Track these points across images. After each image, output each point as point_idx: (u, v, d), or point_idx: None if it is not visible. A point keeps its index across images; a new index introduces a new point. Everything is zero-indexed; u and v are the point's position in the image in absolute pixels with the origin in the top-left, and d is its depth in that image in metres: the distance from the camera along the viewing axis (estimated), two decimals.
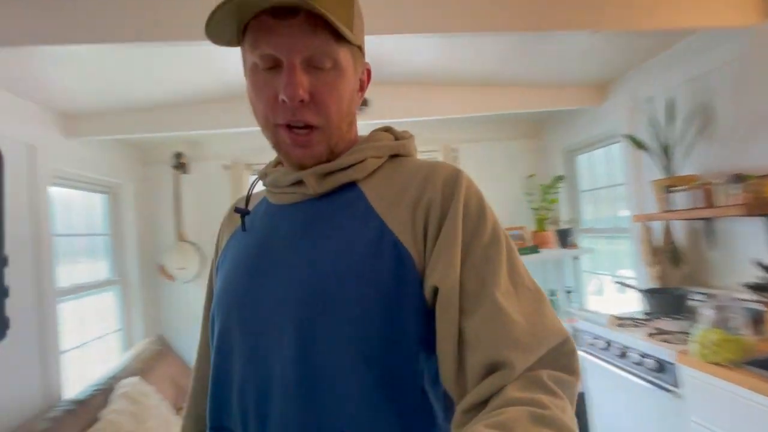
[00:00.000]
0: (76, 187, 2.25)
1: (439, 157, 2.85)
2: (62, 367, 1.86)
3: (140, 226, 2.70)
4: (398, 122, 2.30)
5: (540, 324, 0.40)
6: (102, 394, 1.81)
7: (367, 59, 0.54)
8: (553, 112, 2.58)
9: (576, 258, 2.66)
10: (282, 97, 0.43)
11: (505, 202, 2.87)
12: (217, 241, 0.63)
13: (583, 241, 2.73)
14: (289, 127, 0.46)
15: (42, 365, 1.72)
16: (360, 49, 0.51)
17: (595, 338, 1.76)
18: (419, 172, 0.50)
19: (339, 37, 0.44)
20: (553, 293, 2.72)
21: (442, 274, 0.41)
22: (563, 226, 2.73)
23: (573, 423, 0.33)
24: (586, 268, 2.75)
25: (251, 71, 0.46)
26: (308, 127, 0.46)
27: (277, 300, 0.46)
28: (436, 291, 0.42)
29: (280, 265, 0.48)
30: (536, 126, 3.03)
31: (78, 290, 2.17)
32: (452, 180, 0.47)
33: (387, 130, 0.58)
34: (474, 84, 2.29)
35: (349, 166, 0.50)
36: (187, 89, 2.01)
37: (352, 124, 0.53)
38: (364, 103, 2.08)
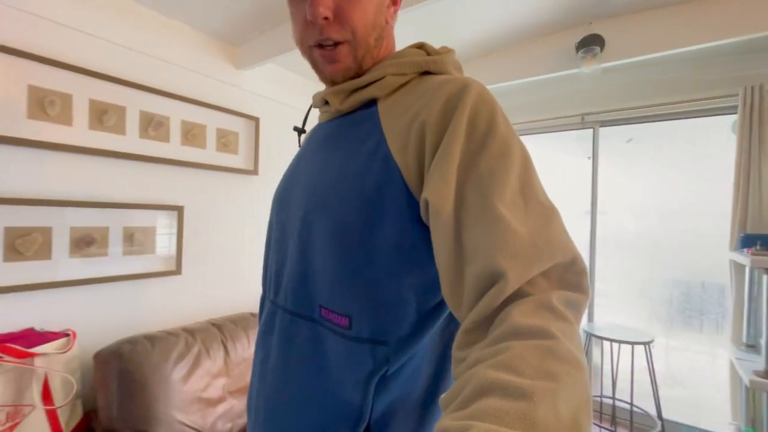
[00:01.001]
0: None
1: (740, 106, 1.95)
2: None
3: None
4: (650, 58, 1.79)
5: (544, 236, 0.37)
6: None
7: None
8: None
9: None
10: (308, 17, 0.48)
11: None
12: None
13: None
14: (320, 46, 0.51)
15: None
16: None
17: None
18: (431, 89, 0.48)
19: None
20: None
21: (433, 188, 0.41)
22: None
23: (579, 349, 0.31)
24: None
25: (288, 1, 0.53)
26: (336, 43, 0.50)
27: (295, 200, 0.55)
28: (426, 204, 0.42)
29: (302, 174, 0.57)
30: None
31: None
32: (456, 96, 0.44)
33: (420, 46, 0.56)
34: None
35: (369, 84, 0.52)
36: None
37: (380, 38, 0.53)
38: (595, 42, 1.72)
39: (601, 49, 1.73)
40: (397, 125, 0.47)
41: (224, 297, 1.95)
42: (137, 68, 1.60)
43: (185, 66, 1.76)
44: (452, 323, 0.51)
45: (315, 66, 0.54)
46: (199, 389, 1.42)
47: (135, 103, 1.59)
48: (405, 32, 1.89)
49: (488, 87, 2.25)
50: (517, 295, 0.34)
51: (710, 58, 1.95)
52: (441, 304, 0.48)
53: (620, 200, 2.41)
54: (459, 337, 0.36)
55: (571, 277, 0.36)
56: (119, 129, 1.54)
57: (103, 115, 1.49)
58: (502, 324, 0.32)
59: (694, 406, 2.18)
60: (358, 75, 0.53)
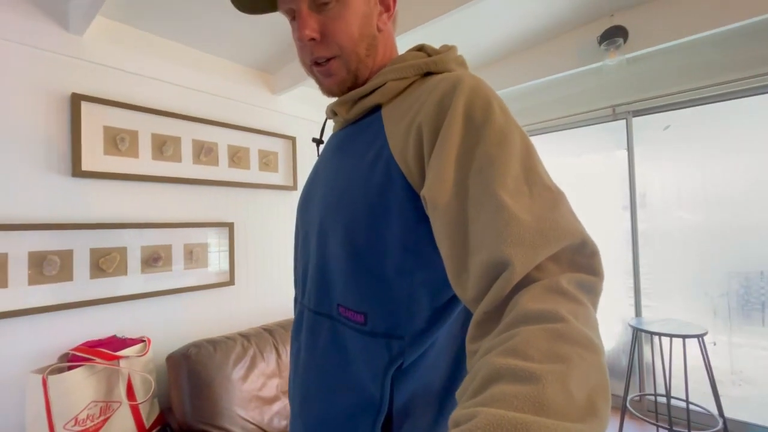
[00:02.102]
0: None
1: None
2: None
3: None
4: (679, 43, 1.74)
5: (551, 221, 0.35)
6: None
7: None
8: None
9: None
10: (297, 40, 0.52)
11: None
12: None
13: None
14: (317, 63, 0.54)
15: None
16: None
17: None
18: (427, 90, 0.48)
19: None
20: None
21: (430, 183, 0.41)
22: None
23: (594, 331, 0.30)
24: None
25: (290, 24, 0.55)
26: (329, 59, 0.53)
27: (314, 207, 0.58)
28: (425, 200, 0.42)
29: (319, 181, 0.59)
30: None
31: None
32: (449, 93, 0.44)
33: (420, 48, 0.56)
34: None
35: (371, 92, 0.54)
36: None
37: (372, 47, 0.55)
38: (618, 33, 1.72)
39: (625, 40, 1.73)
40: (397, 129, 0.48)
41: (274, 304, 2.10)
42: (188, 102, 1.80)
43: (228, 96, 1.95)
44: (471, 315, 0.50)
45: (316, 81, 0.58)
46: (256, 388, 1.55)
47: (188, 134, 1.79)
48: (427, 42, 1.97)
49: (513, 87, 2.29)
50: (526, 282, 0.33)
51: (744, 37, 1.87)
52: (455, 298, 0.49)
53: (662, 192, 2.32)
54: (471, 330, 0.36)
55: (582, 260, 0.35)
56: (176, 157, 1.74)
57: (162, 146, 1.69)
58: (511, 312, 0.32)
59: (764, 405, 2.04)
60: (356, 84, 0.56)
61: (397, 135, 0.48)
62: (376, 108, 0.55)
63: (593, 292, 0.34)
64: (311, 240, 0.58)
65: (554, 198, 0.37)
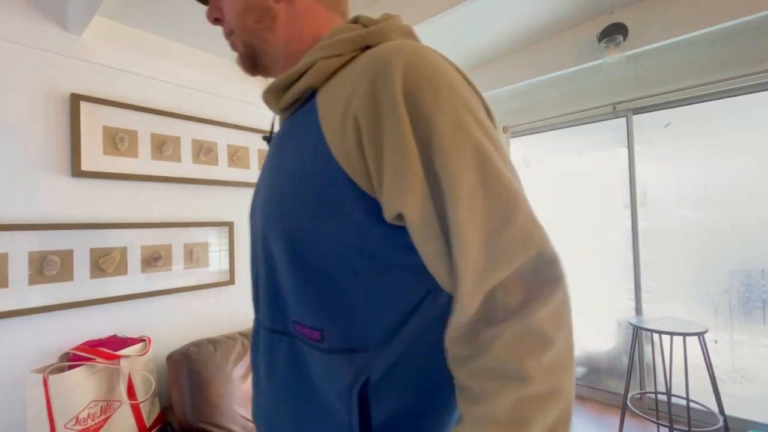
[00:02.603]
0: None
1: None
2: None
3: None
4: (680, 40, 1.73)
5: (505, 239, 0.34)
6: None
7: None
8: None
9: None
10: None
11: None
12: None
13: None
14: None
15: None
16: None
17: None
18: (359, 69, 0.41)
19: None
20: None
21: (401, 201, 0.37)
22: None
23: (560, 371, 0.33)
24: None
25: None
26: (229, 35, 0.55)
27: (257, 212, 0.53)
28: (400, 216, 0.38)
29: (262, 183, 0.53)
30: None
31: None
32: (380, 76, 0.38)
33: (355, 21, 0.49)
34: None
35: (301, 75, 0.47)
36: None
37: (264, 20, 0.51)
38: (618, 31, 1.71)
39: (624, 38, 1.72)
40: (333, 118, 0.42)
41: None
42: (188, 102, 1.80)
43: (227, 95, 1.95)
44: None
45: None
46: None
47: (187, 133, 1.79)
48: (428, 43, 1.96)
49: (513, 86, 2.28)
50: (492, 307, 0.34)
51: (744, 33, 1.86)
52: (423, 302, 0.43)
53: (663, 190, 2.32)
54: (448, 334, 0.38)
55: (543, 270, 0.35)
56: (176, 157, 1.74)
57: (162, 146, 1.69)
58: (484, 353, 0.34)
59: (765, 403, 2.04)
60: (260, 62, 0.54)
61: (333, 126, 0.41)
62: (312, 94, 0.47)
63: (555, 300, 0.34)
64: (258, 249, 0.52)
65: (510, 204, 0.35)
